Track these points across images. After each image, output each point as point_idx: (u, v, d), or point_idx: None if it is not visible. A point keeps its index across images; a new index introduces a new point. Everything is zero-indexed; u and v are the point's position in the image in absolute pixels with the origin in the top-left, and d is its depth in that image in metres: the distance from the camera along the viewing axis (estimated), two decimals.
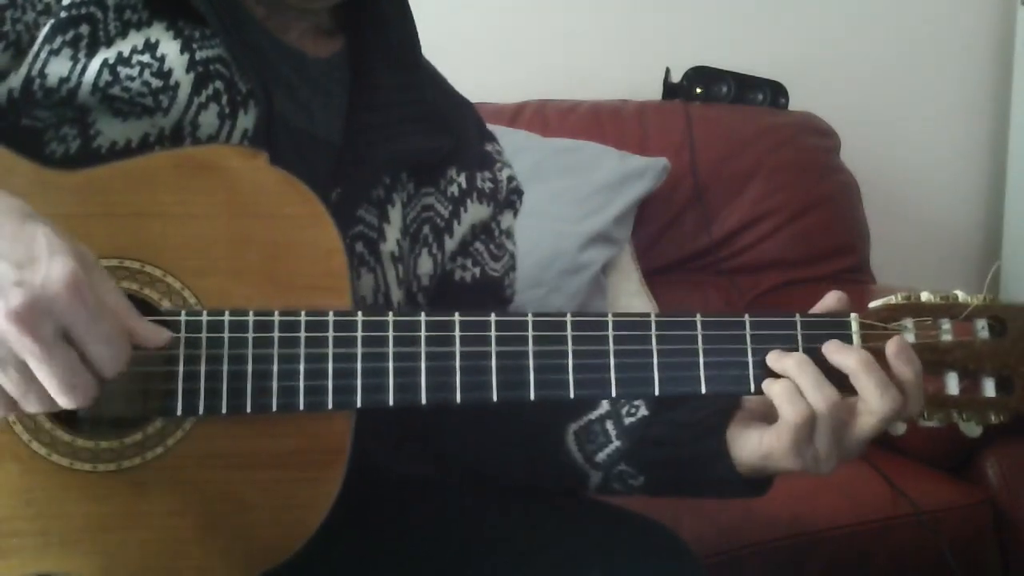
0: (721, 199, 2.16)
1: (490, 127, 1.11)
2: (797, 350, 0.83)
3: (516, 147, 2.00)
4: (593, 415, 0.95)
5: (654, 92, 2.31)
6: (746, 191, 2.16)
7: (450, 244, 1.03)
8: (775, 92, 2.30)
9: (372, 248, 0.95)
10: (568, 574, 0.89)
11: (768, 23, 2.47)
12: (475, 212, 1.05)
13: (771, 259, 2.15)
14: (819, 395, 0.81)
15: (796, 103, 2.30)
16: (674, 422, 0.91)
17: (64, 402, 0.67)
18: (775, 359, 0.83)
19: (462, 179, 1.04)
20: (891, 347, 0.83)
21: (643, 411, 0.93)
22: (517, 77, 2.30)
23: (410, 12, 1.03)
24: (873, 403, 0.81)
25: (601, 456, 0.94)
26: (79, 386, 0.67)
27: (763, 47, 2.43)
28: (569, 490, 0.98)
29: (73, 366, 0.67)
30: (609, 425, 0.94)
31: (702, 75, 2.28)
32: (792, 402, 0.81)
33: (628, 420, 0.93)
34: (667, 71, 2.30)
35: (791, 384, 0.81)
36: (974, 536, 1.60)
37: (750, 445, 0.86)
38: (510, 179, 1.10)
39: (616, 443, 0.93)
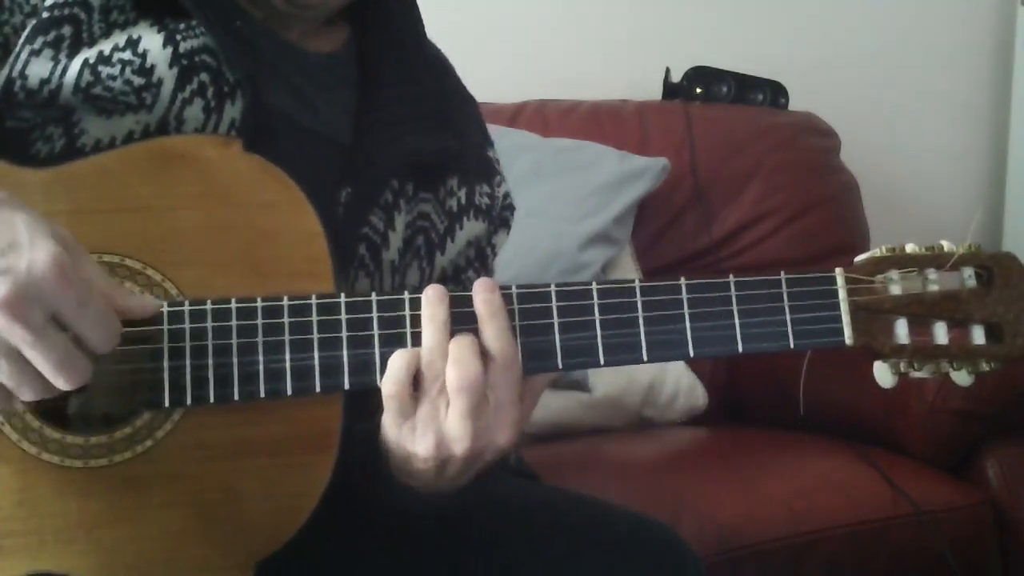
0: (721, 199, 2.16)
1: (490, 127, 1.10)
2: (783, 309, 0.81)
3: (516, 147, 2.01)
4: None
5: (654, 92, 2.31)
6: (746, 191, 2.16)
7: (441, 260, 1.02)
8: (775, 92, 2.30)
9: (374, 254, 0.94)
10: (568, 573, 0.88)
11: (768, 23, 2.47)
12: (470, 229, 1.04)
13: (771, 259, 2.14)
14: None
15: (796, 103, 2.30)
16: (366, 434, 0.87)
17: (61, 383, 0.67)
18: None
19: (462, 194, 1.02)
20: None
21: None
22: (517, 77, 2.30)
23: (415, 4, 1.03)
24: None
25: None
26: (73, 367, 0.67)
27: (763, 47, 2.43)
28: None
29: (66, 349, 0.67)
30: None
31: (702, 75, 2.28)
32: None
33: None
34: (667, 71, 2.30)
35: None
36: (974, 536, 1.59)
37: None
38: (505, 196, 1.09)
39: None
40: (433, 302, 0.77)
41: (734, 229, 2.16)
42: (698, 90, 2.27)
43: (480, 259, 1.06)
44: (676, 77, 2.29)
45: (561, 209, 2.01)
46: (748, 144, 2.18)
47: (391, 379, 0.76)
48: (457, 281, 1.04)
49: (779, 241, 2.15)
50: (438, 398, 0.76)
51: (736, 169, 2.16)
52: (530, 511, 0.95)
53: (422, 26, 1.03)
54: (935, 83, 2.56)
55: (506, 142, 1.88)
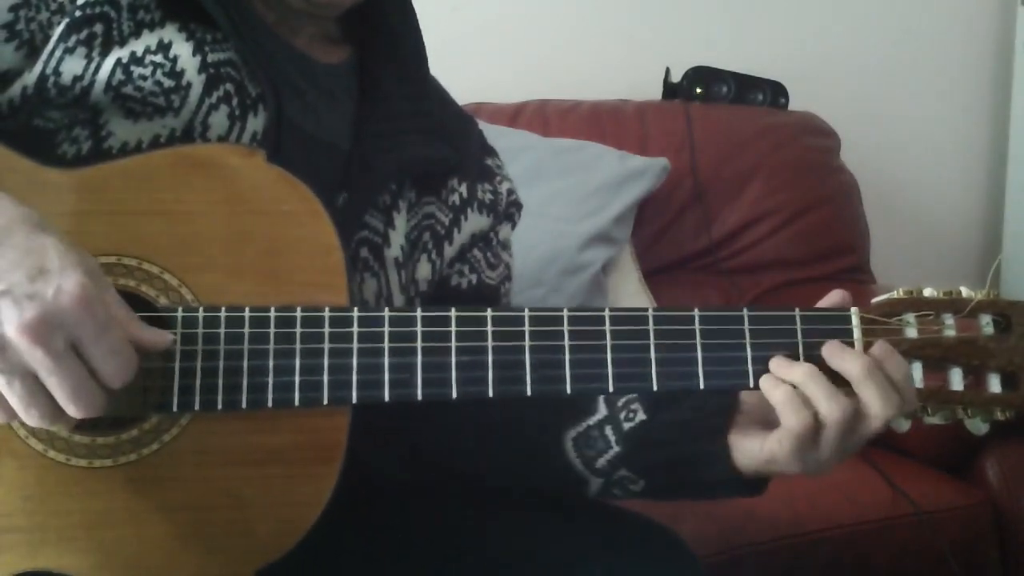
0: (721, 199, 2.16)
1: (490, 127, 1.11)
2: (796, 346, 0.82)
3: (516, 147, 2.00)
4: (591, 420, 0.95)
5: (654, 92, 2.31)
6: (746, 191, 2.16)
7: (449, 251, 1.03)
8: (775, 92, 2.30)
9: (377, 253, 0.95)
10: (568, 574, 0.89)
11: (768, 23, 2.47)
12: (475, 222, 1.05)
13: (771, 259, 2.15)
14: (833, 406, 0.79)
15: (796, 103, 2.30)
16: (673, 424, 0.91)
17: (72, 410, 0.68)
18: (783, 369, 0.82)
19: (463, 189, 1.04)
20: (877, 350, 0.82)
21: (641, 415, 0.93)
22: (517, 77, 2.30)
23: (418, 27, 1.04)
24: (876, 408, 0.80)
25: (601, 462, 0.94)
26: (86, 397, 0.68)
27: (763, 47, 2.43)
28: (568, 496, 0.98)
29: (81, 377, 0.68)
30: (608, 430, 0.94)
31: (702, 75, 2.28)
32: (796, 412, 0.80)
33: (627, 425, 0.93)
34: (667, 71, 2.30)
35: (794, 392, 0.80)
36: (974, 536, 1.60)
37: (751, 451, 0.85)
38: (510, 192, 1.10)
39: (616, 448, 0.93)
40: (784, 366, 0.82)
41: (734, 229, 2.16)
42: (698, 90, 2.27)
43: (484, 241, 1.07)
44: (676, 77, 2.29)
45: (561, 209, 2.01)
46: (748, 144, 2.18)
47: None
48: (463, 261, 1.05)
49: (779, 241, 2.15)
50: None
51: (736, 169, 2.16)
52: (530, 513, 0.95)
53: (424, 48, 1.03)
54: (935, 83, 2.56)
55: (506, 142, 1.87)
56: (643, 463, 0.92)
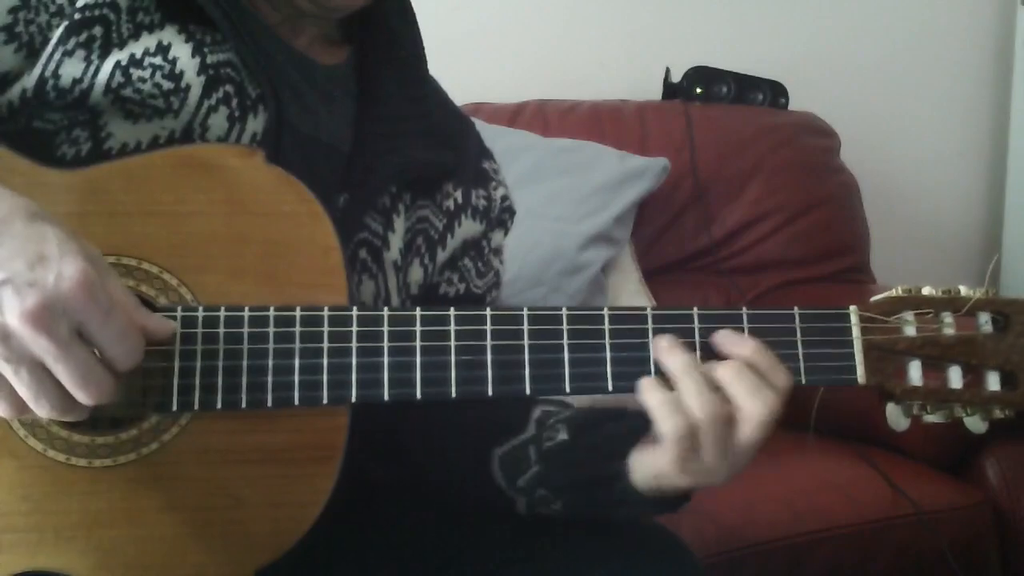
0: (721, 199, 2.16)
1: (490, 127, 1.11)
2: (795, 344, 0.82)
3: (516, 147, 2.01)
4: (518, 440, 0.94)
5: (654, 92, 2.31)
6: (746, 191, 2.16)
7: (442, 256, 1.03)
8: (775, 92, 2.30)
9: (376, 255, 0.95)
10: (568, 574, 0.89)
11: (768, 23, 2.47)
12: (468, 228, 1.05)
13: (771, 259, 2.15)
14: (698, 404, 0.77)
15: (796, 103, 2.30)
16: (587, 446, 0.90)
17: (82, 397, 0.68)
18: (664, 350, 0.80)
19: (458, 194, 1.04)
20: (718, 337, 0.80)
21: (563, 435, 0.92)
22: (517, 77, 2.30)
23: (418, 29, 1.04)
24: (747, 409, 0.77)
25: (522, 481, 0.93)
26: (95, 382, 0.67)
27: (763, 47, 2.43)
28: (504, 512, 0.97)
29: (89, 363, 0.67)
30: (531, 450, 0.93)
31: (702, 75, 2.28)
32: (670, 416, 0.77)
33: (547, 444, 0.93)
34: (667, 71, 2.31)
35: (669, 396, 0.78)
36: (974, 536, 1.60)
37: (644, 467, 0.84)
38: (503, 198, 1.10)
39: (535, 468, 0.92)
40: (667, 351, 0.79)
41: (734, 229, 2.16)
42: (698, 90, 2.27)
43: (476, 249, 1.07)
44: (676, 77, 2.30)
45: (561, 209, 2.01)
46: (748, 144, 2.18)
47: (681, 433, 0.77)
48: (454, 269, 1.05)
49: (779, 241, 2.15)
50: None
51: (736, 169, 2.16)
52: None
53: (423, 49, 1.03)
54: (935, 83, 2.56)
55: (506, 142, 1.87)
56: (558, 482, 0.91)
